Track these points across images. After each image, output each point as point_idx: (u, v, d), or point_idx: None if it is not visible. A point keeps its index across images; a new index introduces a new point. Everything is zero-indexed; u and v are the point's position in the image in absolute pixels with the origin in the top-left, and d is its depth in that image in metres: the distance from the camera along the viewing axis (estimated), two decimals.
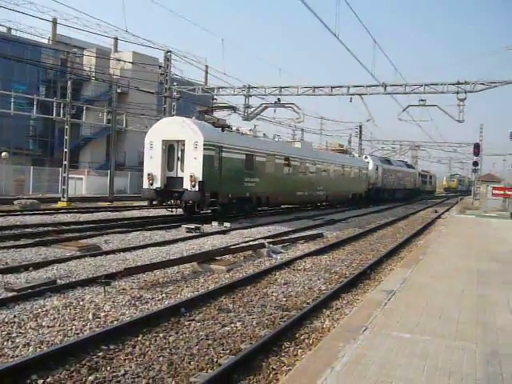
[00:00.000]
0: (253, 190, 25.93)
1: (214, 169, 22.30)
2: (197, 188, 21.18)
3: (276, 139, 33.72)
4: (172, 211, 23.57)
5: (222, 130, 24.17)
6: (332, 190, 37.09)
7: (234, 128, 26.73)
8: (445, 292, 8.66)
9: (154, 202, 23.00)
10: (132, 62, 44.93)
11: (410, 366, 5.22)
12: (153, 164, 22.25)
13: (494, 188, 38.82)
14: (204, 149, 21.36)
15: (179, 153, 22.14)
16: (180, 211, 23.68)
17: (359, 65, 24.92)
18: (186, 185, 21.33)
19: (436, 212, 38.26)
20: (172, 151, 22.34)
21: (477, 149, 44.76)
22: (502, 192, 37.06)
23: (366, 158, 50.29)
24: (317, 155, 36.60)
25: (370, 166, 47.88)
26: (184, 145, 21.74)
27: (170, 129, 22.31)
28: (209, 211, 23.56)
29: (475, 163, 54.77)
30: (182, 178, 21.71)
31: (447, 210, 43.09)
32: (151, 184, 22.10)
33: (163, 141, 22.15)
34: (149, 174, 22.18)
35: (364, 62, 27.46)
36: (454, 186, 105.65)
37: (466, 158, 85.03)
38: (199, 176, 21.20)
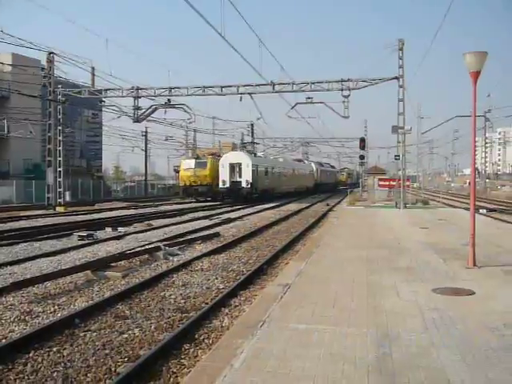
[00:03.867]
0: (268, 186, 48.14)
1: (255, 176, 43.91)
2: (249, 186, 43.16)
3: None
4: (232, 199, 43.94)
5: (254, 155, 48.69)
6: (297, 185, 60.44)
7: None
8: (337, 281, 9.00)
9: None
10: (11, 65, 42.45)
11: (307, 355, 5.37)
12: (224, 175, 43.73)
13: (380, 179, 40.95)
14: (251, 166, 43.58)
15: (237, 169, 43.78)
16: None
17: (248, 65, 25.28)
18: (243, 185, 43.22)
19: (328, 205, 39.67)
20: (233, 168, 43.83)
21: (362, 143, 46.89)
22: (387, 183, 39.18)
23: (311, 163, 74.14)
24: (289, 165, 60.65)
25: (314, 169, 71.52)
26: (241, 165, 43.66)
27: (232, 157, 44.92)
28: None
29: (362, 157, 57.51)
30: (240, 182, 43.40)
31: (338, 202, 44.83)
32: (223, 185, 43.78)
33: (229, 163, 43.96)
34: (223, 180, 43.74)
35: (251, 62, 28.10)
36: (343, 179, 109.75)
37: (354, 152, 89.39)
38: (250, 180, 43.16)
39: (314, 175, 70.56)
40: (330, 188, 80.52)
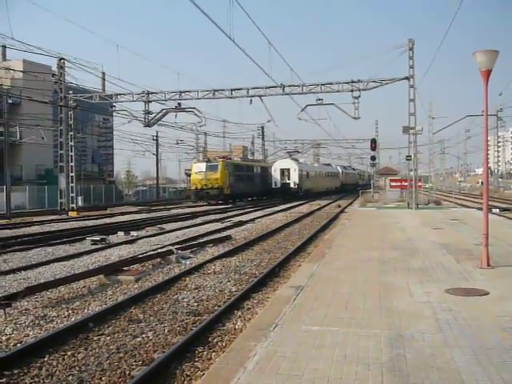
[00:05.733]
0: (309, 186, 59.39)
1: (300, 179, 55.55)
2: (296, 186, 54.94)
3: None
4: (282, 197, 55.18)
5: (298, 162, 58.69)
6: (328, 185, 71.01)
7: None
8: (350, 283, 8.98)
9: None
10: (23, 71, 42.80)
11: (320, 357, 5.36)
12: (276, 177, 55.98)
13: (392, 180, 40.77)
14: (298, 171, 55.43)
15: (286, 173, 55.58)
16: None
17: (257, 67, 25.30)
18: (291, 185, 55.05)
19: (339, 207, 39.54)
20: (283, 172, 55.82)
21: (373, 144, 46.61)
22: (398, 183, 39.00)
23: (337, 166, 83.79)
24: (323, 168, 71.88)
25: (340, 171, 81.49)
26: (289, 170, 55.58)
27: (282, 164, 57.38)
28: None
29: (373, 157, 57.35)
30: (289, 183, 55.28)
31: (350, 204, 44.67)
32: (275, 185, 56.10)
33: (280, 169, 56.15)
34: (275, 182, 55.96)
35: (261, 64, 28.11)
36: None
37: (364, 152, 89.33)
38: (297, 181, 55.04)
39: (340, 177, 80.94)
40: (352, 188, 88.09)
